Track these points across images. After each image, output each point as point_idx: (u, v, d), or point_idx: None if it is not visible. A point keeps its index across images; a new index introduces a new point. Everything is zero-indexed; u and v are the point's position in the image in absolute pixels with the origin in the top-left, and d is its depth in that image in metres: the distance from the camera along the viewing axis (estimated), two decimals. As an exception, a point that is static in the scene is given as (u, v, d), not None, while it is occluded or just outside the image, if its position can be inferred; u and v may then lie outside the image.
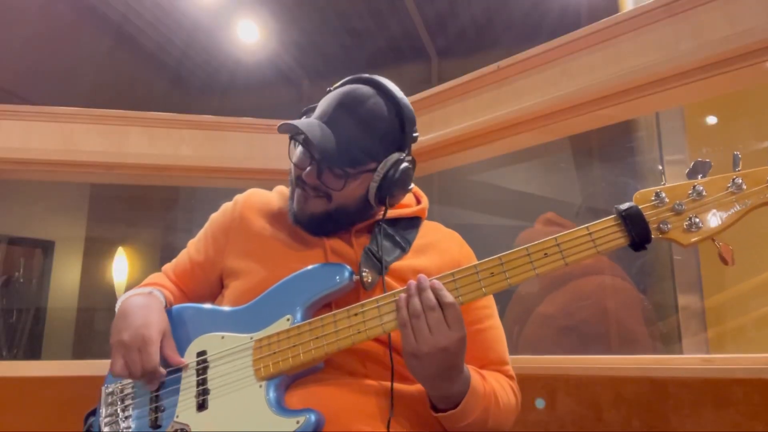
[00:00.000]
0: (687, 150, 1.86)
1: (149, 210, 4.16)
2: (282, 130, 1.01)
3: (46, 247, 4.39)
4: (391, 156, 1.02)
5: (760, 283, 1.75)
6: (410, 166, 1.05)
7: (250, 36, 4.12)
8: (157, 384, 0.99)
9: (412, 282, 0.89)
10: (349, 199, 1.04)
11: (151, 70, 4.52)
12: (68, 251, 4.45)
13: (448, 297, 0.87)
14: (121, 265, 4.13)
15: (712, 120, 1.83)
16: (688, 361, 1.39)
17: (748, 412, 1.20)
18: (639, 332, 1.86)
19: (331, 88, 1.08)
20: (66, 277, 4.42)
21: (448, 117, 1.75)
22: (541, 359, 1.58)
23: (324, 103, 1.05)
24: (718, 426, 1.23)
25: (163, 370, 0.98)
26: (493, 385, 1.00)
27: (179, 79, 4.61)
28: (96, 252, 4.33)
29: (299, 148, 1.04)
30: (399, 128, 1.04)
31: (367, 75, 1.06)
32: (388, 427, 0.92)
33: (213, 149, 1.91)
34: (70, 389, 1.57)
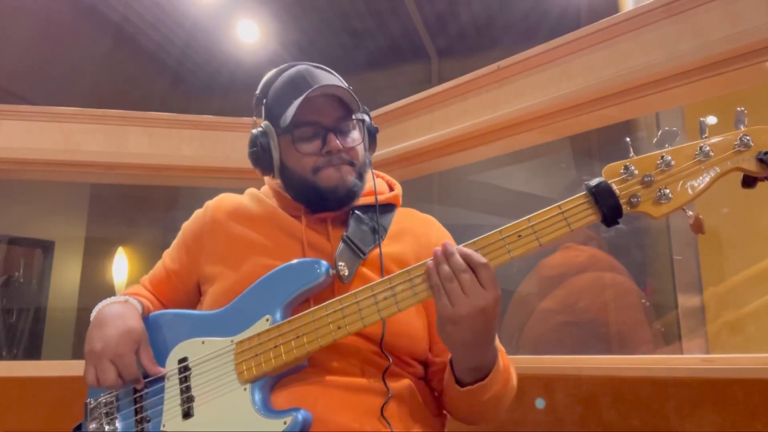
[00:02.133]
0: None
1: (149, 210, 4.15)
2: (300, 110, 1.00)
3: (46, 247, 4.39)
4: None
5: (758, 281, 1.75)
6: None
7: (250, 36, 4.12)
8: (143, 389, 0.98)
9: (438, 249, 0.88)
10: (361, 154, 1.09)
11: (151, 70, 4.52)
12: (68, 251, 4.44)
13: (481, 258, 0.86)
14: (121, 265, 4.13)
15: (712, 120, 1.83)
16: (688, 361, 1.39)
17: (748, 412, 1.20)
18: (639, 328, 1.86)
19: (260, 93, 1.13)
20: (66, 277, 4.41)
21: (448, 117, 1.75)
22: (540, 359, 1.58)
23: (288, 87, 1.06)
24: (718, 426, 1.23)
25: (142, 379, 0.98)
26: (507, 362, 1.00)
27: (179, 79, 4.61)
28: (96, 252, 4.33)
29: (302, 141, 1.04)
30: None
31: (285, 64, 1.12)
32: (382, 411, 0.93)
33: (213, 149, 1.92)
34: (70, 389, 1.57)
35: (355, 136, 1.07)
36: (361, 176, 1.08)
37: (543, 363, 1.54)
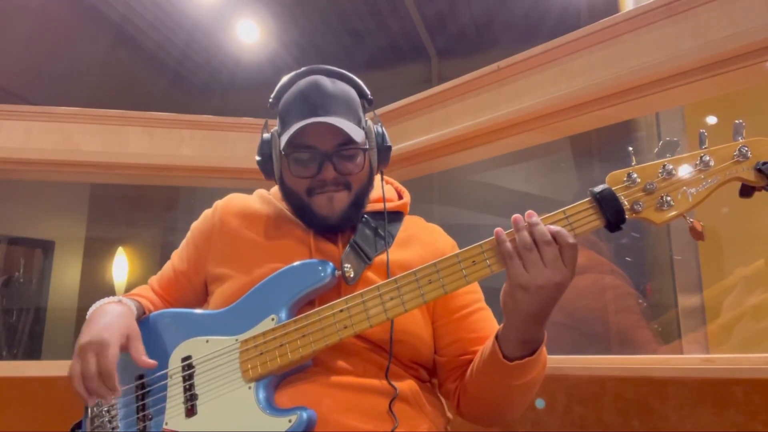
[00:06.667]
0: (687, 150, 1.86)
1: (149, 210, 4.16)
2: (299, 134, 0.99)
3: (46, 247, 4.39)
4: (368, 124, 1.08)
5: (758, 280, 1.75)
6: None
7: (250, 36, 4.12)
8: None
9: (518, 216, 0.87)
10: (363, 179, 1.06)
11: (151, 70, 4.52)
12: (68, 251, 4.45)
13: (571, 238, 0.85)
14: (121, 265, 4.13)
15: (712, 120, 1.83)
16: (688, 361, 1.39)
17: (748, 412, 1.20)
18: (638, 330, 1.86)
19: (274, 98, 1.10)
20: (66, 277, 4.42)
21: (448, 117, 1.75)
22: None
23: (296, 103, 1.04)
24: (718, 426, 1.23)
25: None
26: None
27: (179, 79, 4.61)
28: (96, 252, 4.33)
29: (298, 164, 1.03)
30: (358, 96, 1.09)
31: (303, 69, 1.10)
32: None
33: (213, 149, 1.92)
34: (70, 389, 1.57)
35: (357, 162, 1.04)
36: (358, 202, 1.06)
37: (543, 363, 1.54)
